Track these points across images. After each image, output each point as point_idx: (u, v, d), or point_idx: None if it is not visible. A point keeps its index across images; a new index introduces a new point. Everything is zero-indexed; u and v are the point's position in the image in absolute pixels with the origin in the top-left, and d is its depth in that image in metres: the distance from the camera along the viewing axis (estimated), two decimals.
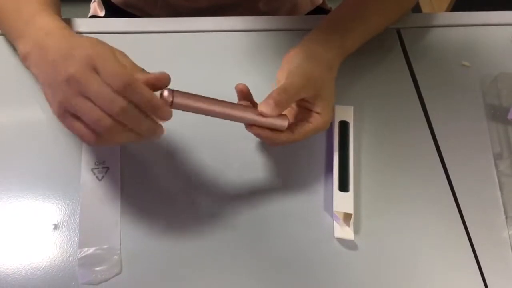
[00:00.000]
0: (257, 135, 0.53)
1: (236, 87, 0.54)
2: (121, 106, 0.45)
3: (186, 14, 0.81)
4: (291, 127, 0.55)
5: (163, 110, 0.47)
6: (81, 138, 0.48)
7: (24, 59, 0.54)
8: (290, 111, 0.58)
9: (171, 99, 0.47)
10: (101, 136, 0.46)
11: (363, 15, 0.66)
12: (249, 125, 0.53)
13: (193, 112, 0.50)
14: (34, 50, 0.52)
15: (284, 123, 0.53)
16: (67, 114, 0.47)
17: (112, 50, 0.48)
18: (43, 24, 0.53)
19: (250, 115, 0.52)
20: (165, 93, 0.48)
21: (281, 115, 0.53)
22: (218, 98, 0.51)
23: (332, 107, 0.57)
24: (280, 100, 0.51)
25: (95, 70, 0.45)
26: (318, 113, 0.55)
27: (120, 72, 0.45)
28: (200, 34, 0.72)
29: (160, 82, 0.48)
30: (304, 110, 0.57)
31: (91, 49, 0.46)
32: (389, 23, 0.72)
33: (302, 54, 0.58)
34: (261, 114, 0.51)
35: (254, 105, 0.55)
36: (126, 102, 0.45)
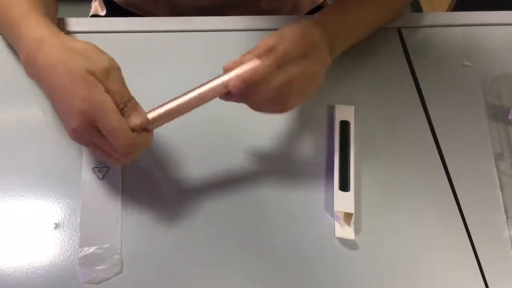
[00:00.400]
0: (240, 83, 0.50)
1: (224, 68, 0.52)
2: (128, 155, 0.49)
3: (187, 12, 0.81)
4: None
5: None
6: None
7: (24, 68, 0.53)
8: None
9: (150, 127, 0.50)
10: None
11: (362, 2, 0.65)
12: (224, 95, 0.51)
13: (172, 119, 0.51)
14: (30, 65, 0.51)
15: (255, 62, 0.51)
16: (82, 140, 0.50)
17: (103, 90, 0.47)
18: (30, 35, 0.51)
19: (219, 80, 0.51)
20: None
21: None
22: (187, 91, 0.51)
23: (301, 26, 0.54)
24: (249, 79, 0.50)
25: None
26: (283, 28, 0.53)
27: (118, 135, 0.46)
28: (201, 34, 0.72)
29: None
30: None
31: (87, 99, 0.46)
32: (387, 16, 0.72)
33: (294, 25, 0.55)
34: (227, 70, 0.50)
35: None
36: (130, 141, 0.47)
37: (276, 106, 0.53)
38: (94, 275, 0.51)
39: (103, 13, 0.89)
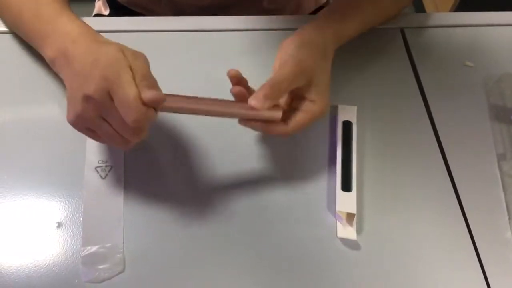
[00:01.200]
0: (251, 127, 0.54)
1: (228, 74, 0.53)
2: (133, 130, 0.48)
3: (190, 12, 0.81)
4: (285, 118, 0.54)
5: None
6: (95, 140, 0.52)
7: (51, 64, 0.55)
8: (284, 99, 0.57)
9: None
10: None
11: (359, 5, 0.65)
12: (242, 120, 0.53)
13: (182, 113, 0.51)
14: (59, 57, 0.52)
15: (277, 114, 0.53)
16: (82, 126, 0.50)
17: (128, 66, 0.48)
18: (67, 29, 0.53)
19: (240, 110, 0.52)
20: None
21: (274, 106, 0.52)
22: (211, 97, 0.51)
23: (328, 94, 0.56)
24: (270, 93, 0.51)
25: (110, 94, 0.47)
26: (312, 100, 0.54)
27: (130, 105, 0.46)
28: (204, 33, 0.72)
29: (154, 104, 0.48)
30: (299, 98, 0.56)
31: (110, 68, 0.47)
32: (386, 14, 0.72)
33: (295, 42, 0.56)
34: (252, 108, 0.50)
35: (249, 91, 0.54)
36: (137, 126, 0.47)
37: None
38: (97, 274, 0.51)
39: (107, 12, 0.89)
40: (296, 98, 0.56)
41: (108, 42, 0.51)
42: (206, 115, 0.52)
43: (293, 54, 0.55)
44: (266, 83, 0.51)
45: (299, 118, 0.55)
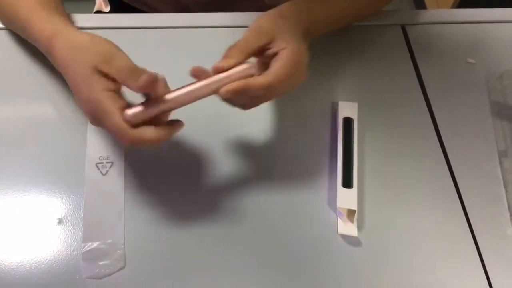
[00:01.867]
0: (232, 93, 0.50)
1: (191, 73, 0.52)
2: (129, 143, 0.49)
3: (191, 8, 0.81)
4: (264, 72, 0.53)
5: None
6: None
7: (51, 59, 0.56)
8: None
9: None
10: None
11: None
12: (223, 92, 0.50)
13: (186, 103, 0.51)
14: (48, 57, 0.55)
15: (246, 66, 0.51)
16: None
17: (103, 89, 0.49)
18: (41, 31, 0.56)
19: (213, 79, 0.51)
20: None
21: (242, 64, 0.51)
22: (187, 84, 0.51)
23: (296, 39, 0.54)
24: (230, 53, 0.52)
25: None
26: (283, 48, 0.53)
27: (118, 134, 0.48)
28: (205, 30, 0.72)
29: (152, 86, 0.49)
30: (272, 56, 0.54)
31: (89, 103, 0.49)
32: (357, 9, 0.70)
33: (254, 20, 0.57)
34: (221, 70, 0.51)
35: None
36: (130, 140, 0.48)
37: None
38: (97, 270, 0.51)
39: (107, 9, 0.89)
40: (270, 59, 0.54)
41: (78, 52, 0.51)
42: (187, 104, 0.51)
43: (252, 24, 0.56)
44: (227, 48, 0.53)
45: (276, 65, 0.52)
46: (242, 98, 0.52)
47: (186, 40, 0.70)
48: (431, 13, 0.77)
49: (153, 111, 0.49)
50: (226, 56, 0.52)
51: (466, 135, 0.64)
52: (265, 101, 0.54)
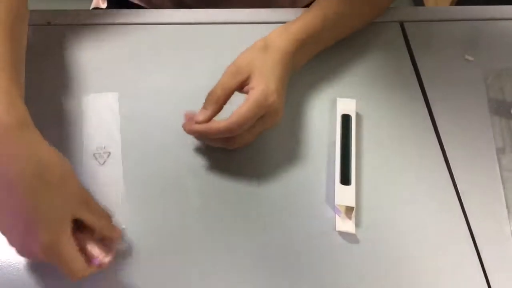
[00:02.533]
0: (194, 134, 0.57)
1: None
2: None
3: (190, 4, 0.81)
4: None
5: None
6: None
7: None
8: None
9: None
10: None
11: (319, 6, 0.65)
12: (186, 130, 0.56)
13: None
14: None
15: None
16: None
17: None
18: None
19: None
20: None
21: None
22: None
23: (268, 79, 0.55)
24: (208, 104, 0.55)
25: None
26: (252, 88, 0.55)
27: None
28: (203, 26, 0.72)
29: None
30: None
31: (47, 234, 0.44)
32: (356, 14, 0.69)
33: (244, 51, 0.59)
34: (202, 123, 0.54)
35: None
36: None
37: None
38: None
39: (104, 5, 0.89)
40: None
41: (36, 184, 0.43)
42: None
43: (235, 59, 0.58)
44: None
45: (239, 108, 0.53)
46: (209, 140, 0.58)
47: (185, 37, 0.70)
48: (430, 10, 0.77)
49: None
50: (203, 107, 0.55)
51: (464, 132, 0.64)
52: (244, 141, 0.57)
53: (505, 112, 0.66)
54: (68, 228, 0.45)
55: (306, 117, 0.64)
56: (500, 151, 0.63)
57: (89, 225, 0.47)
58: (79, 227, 0.47)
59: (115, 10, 0.74)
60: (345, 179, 0.57)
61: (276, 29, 0.61)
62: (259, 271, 0.53)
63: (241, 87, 0.56)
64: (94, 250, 0.48)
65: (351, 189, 0.56)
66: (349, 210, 0.55)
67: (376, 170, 0.60)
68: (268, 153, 0.61)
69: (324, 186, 0.59)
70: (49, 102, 0.62)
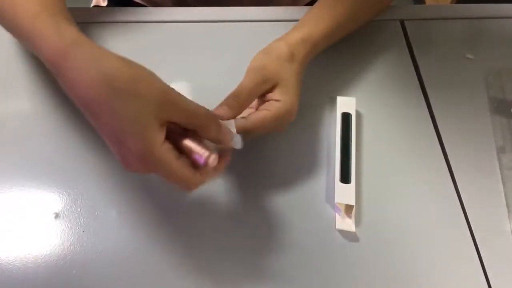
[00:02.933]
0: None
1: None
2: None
3: (190, 2, 0.81)
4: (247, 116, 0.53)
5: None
6: None
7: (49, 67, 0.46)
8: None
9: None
10: None
11: (330, 6, 0.65)
12: None
13: None
14: (55, 71, 0.44)
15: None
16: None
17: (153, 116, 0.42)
18: (49, 41, 0.44)
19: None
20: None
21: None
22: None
23: (294, 94, 0.55)
24: (233, 104, 0.51)
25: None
26: (277, 100, 0.54)
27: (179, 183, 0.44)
28: (204, 24, 0.71)
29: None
30: (267, 101, 0.55)
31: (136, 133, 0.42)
32: (363, 16, 0.70)
33: (260, 53, 0.57)
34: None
35: None
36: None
37: None
38: None
39: (105, 3, 0.89)
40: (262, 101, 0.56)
41: (117, 92, 0.42)
42: None
43: (256, 62, 0.56)
44: (229, 96, 0.52)
45: (260, 113, 0.53)
46: None
47: (185, 35, 0.70)
48: (430, 8, 0.77)
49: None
50: (225, 105, 0.51)
51: (464, 130, 0.64)
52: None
53: (506, 111, 0.66)
54: (158, 133, 0.42)
55: (306, 115, 0.64)
56: (500, 150, 0.63)
57: (184, 125, 0.44)
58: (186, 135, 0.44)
59: (115, 8, 0.74)
60: (345, 178, 0.57)
61: (297, 35, 0.60)
62: (258, 269, 0.53)
63: (264, 94, 0.55)
64: (191, 145, 0.44)
65: (351, 187, 0.56)
66: (349, 208, 0.55)
67: (376, 169, 0.60)
68: (268, 151, 0.61)
69: (324, 184, 0.59)
70: (51, 103, 0.62)
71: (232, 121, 0.52)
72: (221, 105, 0.51)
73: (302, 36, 0.60)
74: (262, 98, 0.56)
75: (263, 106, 0.55)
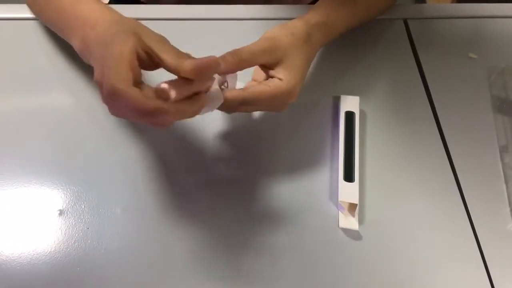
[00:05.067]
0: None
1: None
2: (112, 87, 0.43)
3: (192, 0, 0.80)
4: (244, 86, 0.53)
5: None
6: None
7: (81, 56, 0.53)
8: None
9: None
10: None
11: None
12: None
13: None
14: (83, 48, 0.51)
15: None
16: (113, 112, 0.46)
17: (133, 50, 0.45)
18: (86, 15, 0.52)
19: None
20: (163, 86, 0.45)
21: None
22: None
23: (298, 77, 0.54)
24: (229, 59, 0.50)
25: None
26: (279, 79, 0.52)
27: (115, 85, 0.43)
28: (205, 22, 0.71)
29: (209, 68, 0.45)
30: (270, 77, 0.54)
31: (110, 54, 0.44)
32: (378, 7, 0.71)
33: (278, 25, 0.56)
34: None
35: None
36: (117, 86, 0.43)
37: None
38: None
39: (107, 0, 0.88)
40: (266, 77, 0.55)
41: (123, 23, 0.49)
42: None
43: (270, 32, 0.54)
44: (228, 52, 0.51)
45: (259, 87, 0.52)
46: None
47: (185, 32, 0.70)
48: (434, 8, 0.77)
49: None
50: (221, 59, 0.50)
51: (467, 129, 0.64)
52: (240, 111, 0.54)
53: (508, 110, 0.66)
54: (123, 66, 0.43)
55: (309, 114, 0.64)
56: (503, 149, 0.63)
57: (154, 53, 0.46)
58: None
59: (117, 5, 0.73)
60: (348, 176, 0.57)
61: (315, 19, 0.58)
62: (261, 266, 0.53)
63: (266, 65, 0.54)
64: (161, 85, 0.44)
65: (354, 186, 0.56)
66: (352, 207, 0.56)
67: (379, 167, 0.60)
68: (272, 150, 0.61)
69: (327, 183, 0.59)
70: (54, 100, 0.62)
71: (233, 75, 0.51)
72: (221, 58, 0.50)
73: (322, 19, 0.59)
74: (267, 74, 0.54)
75: (265, 82, 0.53)
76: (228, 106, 0.52)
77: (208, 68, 0.45)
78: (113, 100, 0.43)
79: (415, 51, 0.71)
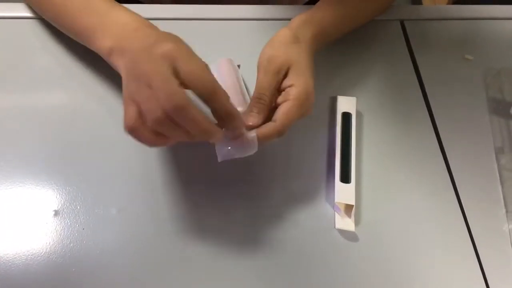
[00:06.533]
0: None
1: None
2: (177, 104, 0.44)
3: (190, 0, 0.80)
4: (273, 117, 0.53)
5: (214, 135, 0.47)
6: (140, 138, 0.47)
7: (108, 55, 0.53)
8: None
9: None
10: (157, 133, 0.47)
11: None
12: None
13: None
14: (117, 46, 0.52)
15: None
16: (143, 130, 0.46)
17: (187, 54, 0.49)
18: (124, 19, 0.54)
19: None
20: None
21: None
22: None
23: (307, 73, 0.54)
24: (260, 107, 0.52)
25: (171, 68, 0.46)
26: (291, 85, 0.53)
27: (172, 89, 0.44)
28: (202, 22, 0.71)
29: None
30: (280, 91, 0.55)
31: (170, 45, 0.48)
32: (371, 7, 0.71)
33: (265, 46, 0.56)
34: (250, 126, 0.52)
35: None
36: (183, 102, 0.44)
37: None
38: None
39: None
40: (280, 93, 0.55)
41: (165, 35, 0.52)
42: None
43: (264, 57, 0.55)
44: (251, 102, 0.53)
45: (283, 108, 0.52)
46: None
47: (183, 32, 0.70)
48: (430, 9, 0.77)
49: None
50: (252, 110, 0.52)
51: (463, 131, 0.64)
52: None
53: (504, 112, 0.66)
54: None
55: None
56: (499, 151, 0.63)
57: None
58: None
59: None
60: (345, 177, 0.57)
61: (296, 19, 0.60)
62: (257, 267, 0.53)
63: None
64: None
65: (351, 187, 0.56)
66: (348, 208, 0.56)
67: (375, 168, 0.60)
68: (268, 151, 0.61)
69: (324, 183, 0.59)
70: (50, 100, 0.62)
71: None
72: (249, 112, 0.52)
73: (304, 18, 0.60)
74: (279, 91, 0.54)
75: (281, 98, 0.53)
76: (267, 140, 0.53)
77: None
78: (178, 117, 0.44)
79: (412, 52, 0.71)
